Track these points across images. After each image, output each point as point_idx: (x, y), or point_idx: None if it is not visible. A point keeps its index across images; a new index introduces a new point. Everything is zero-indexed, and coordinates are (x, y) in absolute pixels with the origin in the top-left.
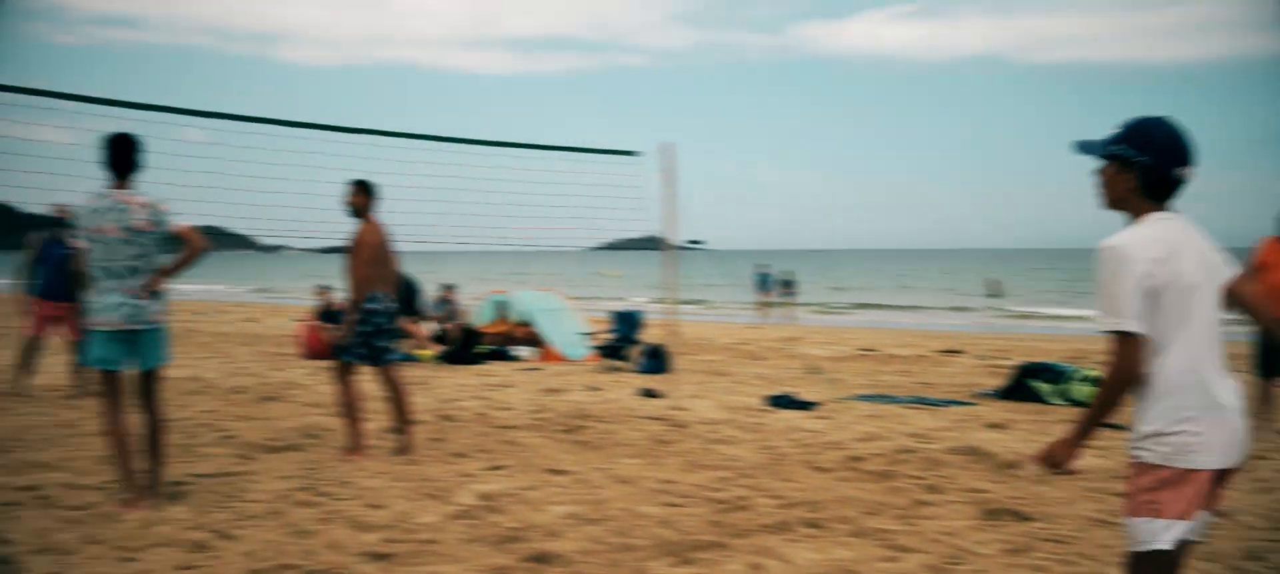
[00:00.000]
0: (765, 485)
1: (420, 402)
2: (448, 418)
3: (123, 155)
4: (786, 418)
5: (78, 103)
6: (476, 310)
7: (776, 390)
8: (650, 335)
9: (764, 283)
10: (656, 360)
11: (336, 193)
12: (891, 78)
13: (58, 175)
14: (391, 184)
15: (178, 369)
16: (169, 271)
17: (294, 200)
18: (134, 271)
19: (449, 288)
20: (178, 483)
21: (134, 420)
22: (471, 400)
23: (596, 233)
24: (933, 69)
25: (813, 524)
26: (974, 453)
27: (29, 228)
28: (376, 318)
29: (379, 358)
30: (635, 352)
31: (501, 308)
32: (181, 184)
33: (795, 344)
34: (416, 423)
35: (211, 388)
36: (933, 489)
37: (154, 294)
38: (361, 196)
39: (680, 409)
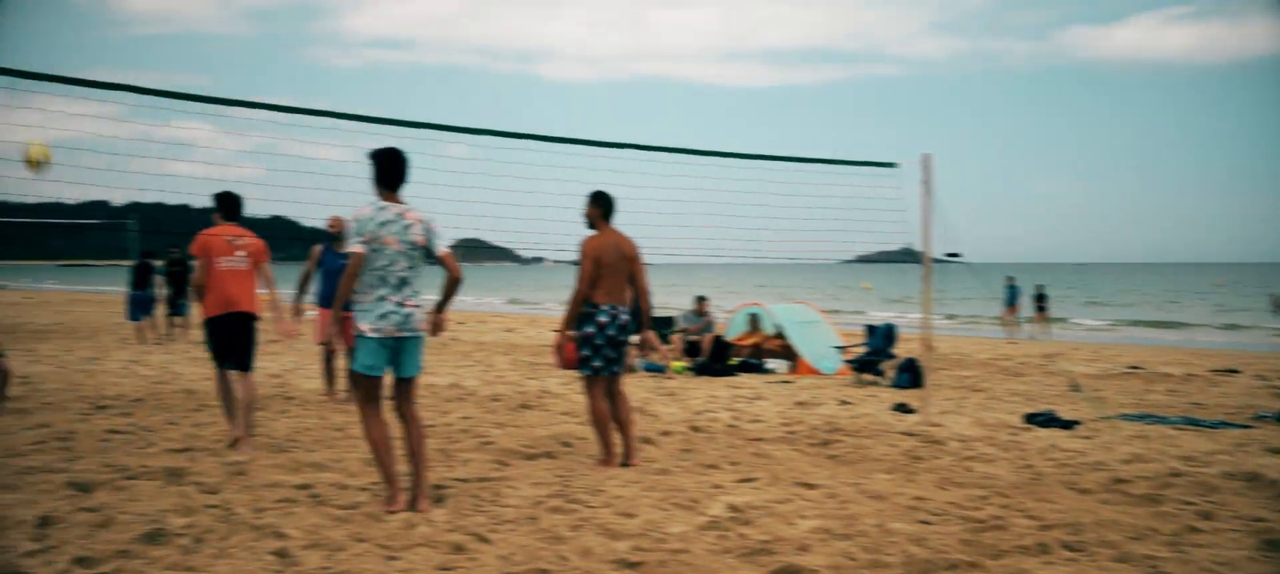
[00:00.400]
0: (1022, 505)
1: (671, 413)
2: (698, 429)
3: (395, 169)
4: (1046, 436)
5: (354, 121)
6: (729, 323)
7: (1035, 408)
8: (905, 350)
9: (1013, 296)
10: (911, 375)
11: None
12: (1166, 82)
13: (335, 191)
14: (646, 197)
15: (439, 377)
16: (444, 304)
17: (552, 214)
18: (404, 283)
19: (702, 300)
20: (438, 486)
21: (393, 425)
22: (722, 412)
23: (851, 245)
24: (1212, 73)
25: (1073, 547)
26: (1254, 479)
27: (310, 241)
28: (608, 330)
29: (609, 369)
30: (889, 366)
31: (754, 320)
32: (446, 198)
33: (1056, 360)
34: (635, 436)
35: (471, 396)
36: (1205, 516)
37: (420, 308)
38: (593, 208)
39: (934, 425)
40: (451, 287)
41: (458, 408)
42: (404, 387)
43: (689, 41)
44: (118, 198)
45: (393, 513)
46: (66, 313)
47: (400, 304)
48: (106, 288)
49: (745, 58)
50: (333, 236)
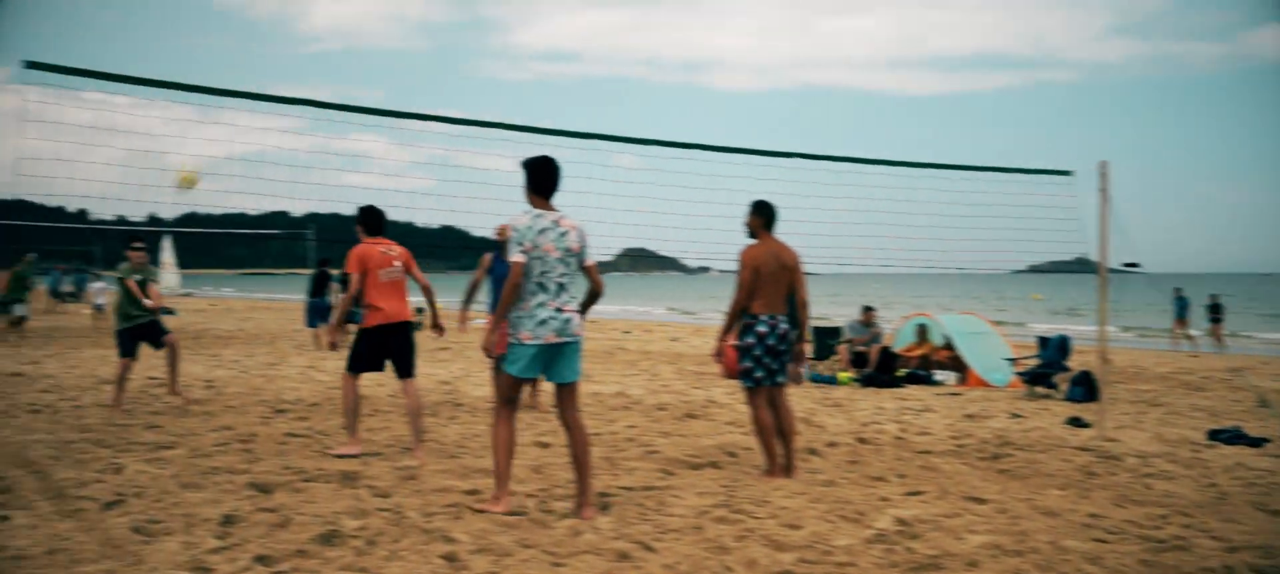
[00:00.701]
0: (1206, 525)
1: (838, 424)
2: (865, 441)
3: (548, 177)
4: (1232, 454)
5: (523, 132)
6: (897, 333)
7: (1220, 424)
8: (1079, 362)
9: (1182, 308)
10: (1085, 388)
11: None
12: None
13: (504, 200)
14: (813, 206)
15: (605, 385)
16: (582, 312)
17: (719, 223)
18: (562, 289)
19: (869, 310)
20: (603, 494)
21: (558, 433)
22: (890, 424)
23: (1023, 255)
24: None
25: (1263, 572)
26: None
27: (480, 250)
28: (767, 339)
29: (770, 379)
30: (1063, 379)
31: (923, 331)
32: (613, 208)
33: (1244, 375)
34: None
35: (636, 404)
36: None
37: (577, 314)
38: (754, 217)
39: (1110, 440)
40: (592, 298)
41: (623, 417)
42: (565, 393)
43: (857, 49)
44: (297, 208)
45: (486, 511)
46: (247, 320)
47: (559, 310)
48: (285, 295)
49: (915, 65)
50: (502, 244)
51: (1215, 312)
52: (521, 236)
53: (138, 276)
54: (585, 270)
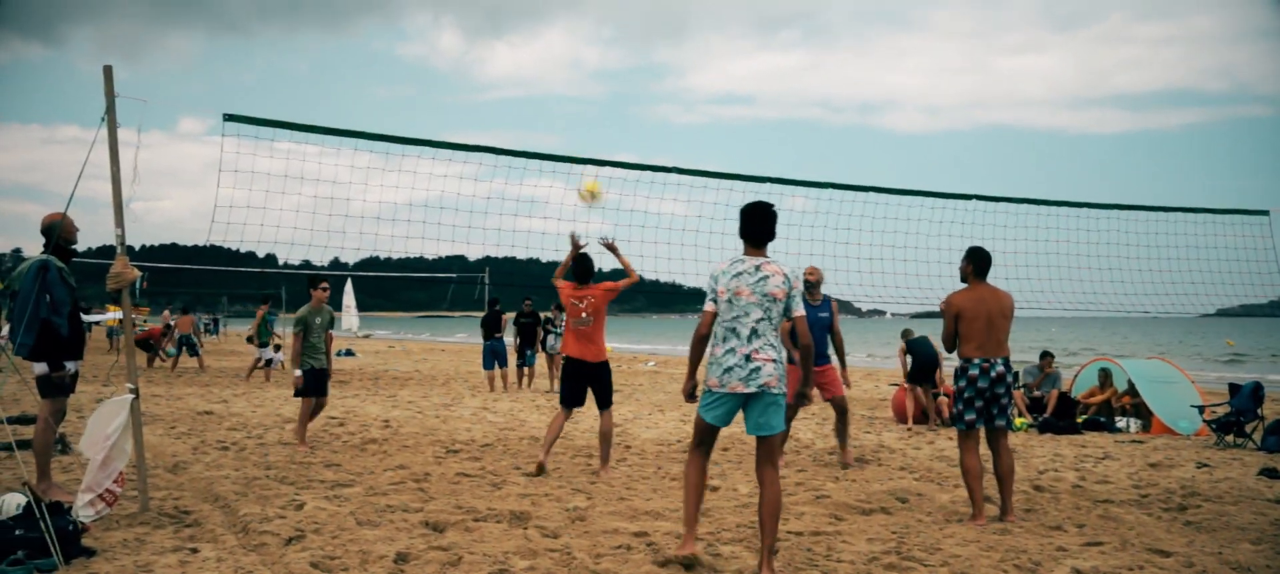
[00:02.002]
0: None
1: (1016, 472)
2: (1041, 488)
3: (751, 223)
4: None
5: (696, 176)
6: (1077, 378)
7: None
8: (1274, 410)
9: None
10: None
11: (934, 257)
12: None
13: (678, 244)
14: (991, 248)
15: None
16: (806, 374)
17: (892, 266)
18: (755, 335)
19: (1047, 357)
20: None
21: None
22: (1068, 471)
23: (1213, 298)
24: None
25: None
26: None
27: (652, 292)
28: (978, 382)
29: (985, 422)
30: (1256, 427)
31: (1105, 376)
32: (785, 250)
33: None
34: (1015, 493)
35: (806, 448)
36: None
37: (773, 364)
38: (966, 263)
39: None
40: (804, 353)
41: (793, 459)
42: (760, 446)
43: (1036, 88)
44: (473, 252)
45: (681, 555)
46: (424, 361)
47: (749, 358)
48: (460, 338)
49: (1097, 103)
50: (807, 286)
51: None
52: (713, 282)
53: (318, 318)
54: (792, 321)
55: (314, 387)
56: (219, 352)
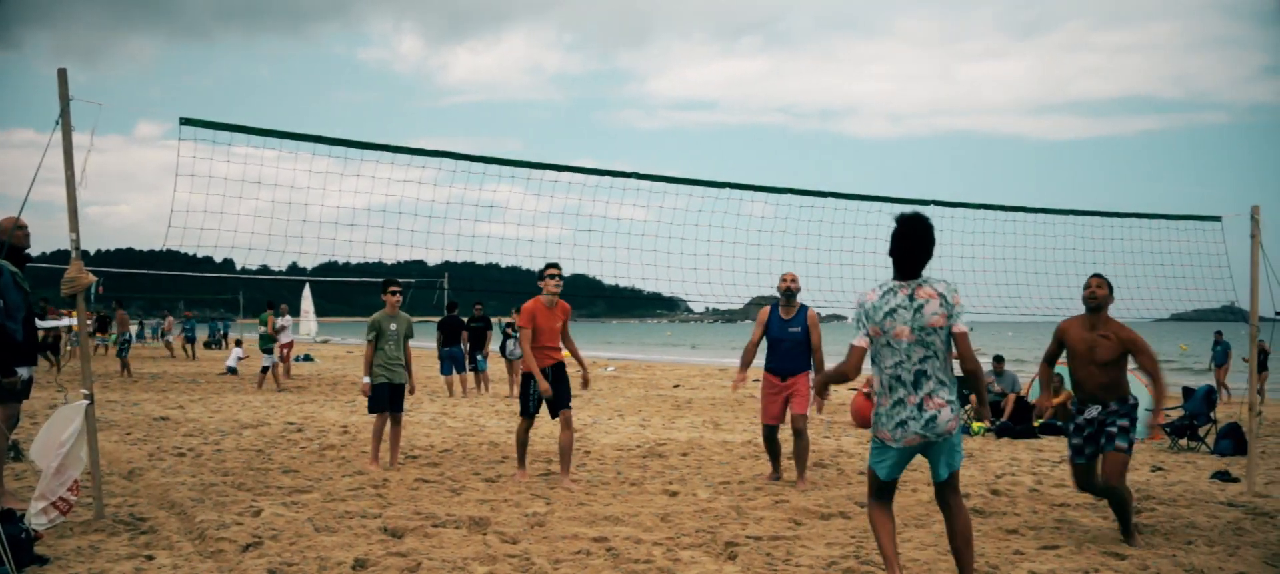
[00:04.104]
0: None
1: (970, 475)
2: (998, 492)
3: (903, 243)
4: None
5: (656, 181)
6: (1034, 382)
7: None
8: (1226, 414)
9: (1222, 355)
10: (1233, 441)
11: (878, 261)
12: None
13: (638, 249)
14: (951, 254)
15: (734, 434)
16: (980, 407)
17: (852, 271)
18: (923, 379)
19: (999, 360)
20: (730, 544)
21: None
22: (1025, 475)
23: (1168, 303)
24: None
25: None
26: None
27: (613, 298)
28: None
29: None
30: (1209, 431)
31: (1060, 380)
32: (745, 255)
33: None
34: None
35: (764, 453)
36: None
37: (949, 406)
38: (1104, 288)
39: (1261, 496)
40: (972, 382)
41: (752, 465)
42: (944, 486)
43: (997, 95)
44: (432, 257)
45: None
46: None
47: (921, 407)
48: (418, 344)
49: (1057, 110)
50: (781, 297)
51: (1262, 358)
52: (862, 316)
53: (393, 325)
54: (953, 340)
55: (384, 401)
56: (202, 357)
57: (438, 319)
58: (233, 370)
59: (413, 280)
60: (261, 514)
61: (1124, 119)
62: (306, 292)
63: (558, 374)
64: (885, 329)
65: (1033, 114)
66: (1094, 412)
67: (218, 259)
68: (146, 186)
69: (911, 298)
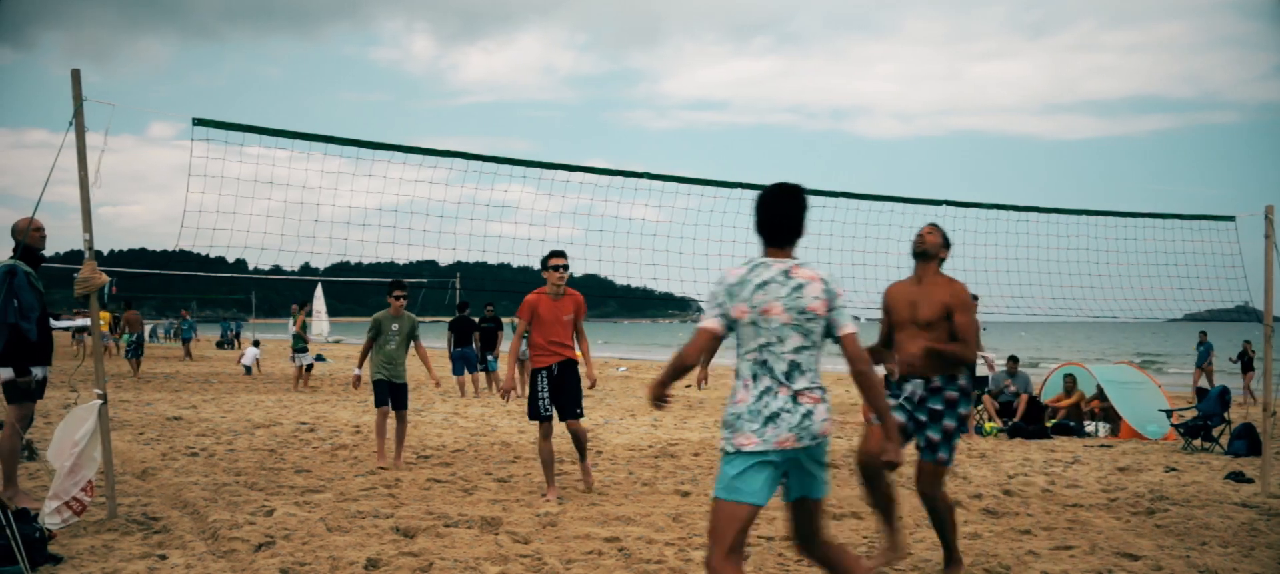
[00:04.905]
0: None
1: (983, 475)
2: (1011, 492)
3: (772, 213)
4: None
5: (668, 181)
6: (1046, 383)
7: None
8: (1240, 414)
9: (1204, 355)
10: (1247, 442)
11: (907, 263)
12: None
13: (650, 249)
14: (960, 254)
15: None
16: (880, 410)
17: (864, 271)
18: (797, 369)
19: (1014, 360)
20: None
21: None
22: (1037, 475)
23: (1181, 303)
24: None
25: None
26: None
27: (624, 298)
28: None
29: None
30: (1222, 432)
31: (1072, 381)
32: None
33: None
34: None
35: None
36: None
37: (824, 404)
38: (937, 236)
39: (1276, 498)
40: (860, 381)
41: None
42: (803, 513)
43: (1007, 95)
44: (444, 257)
45: None
46: None
47: (794, 400)
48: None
49: (1068, 110)
50: None
51: (1246, 358)
52: (724, 295)
53: (395, 325)
54: (839, 342)
55: (385, 397)
56: (197, 356)
57: (449, 319)
58: (248, 370)
59: (424, 280)
60: (274, 514)
61: (1135, 118)
62: (319, 292)
63: (566, 373)
64: (754, 304)
65: (1043, 114)
66: (913, 387)
67: (230, 259)
68: (159, 187)
69: (787, 275)
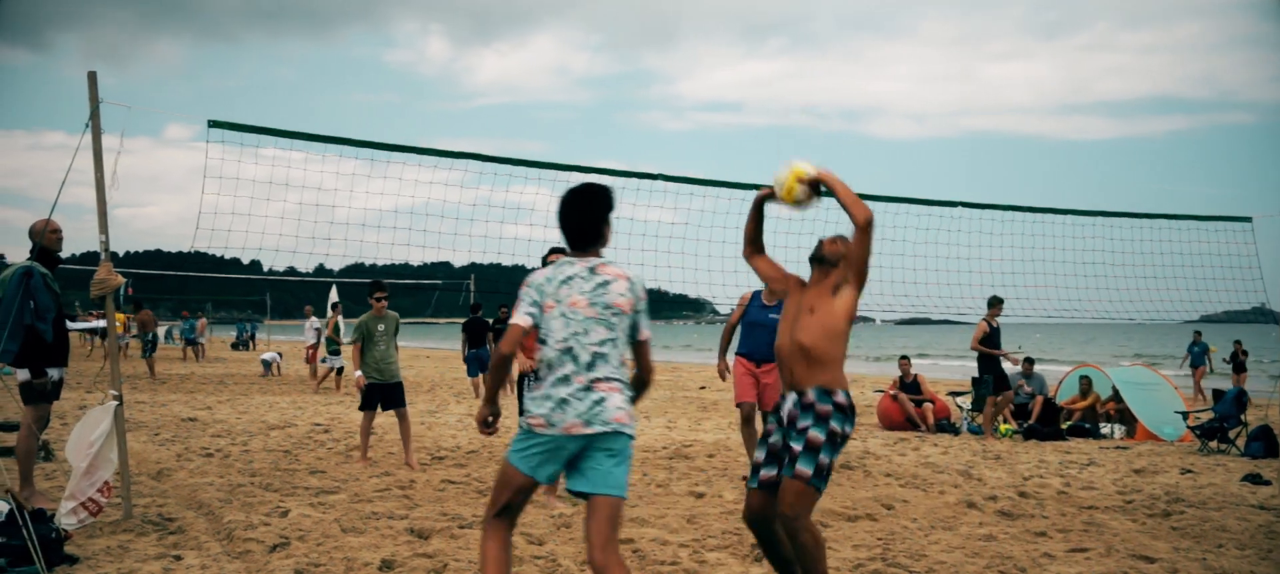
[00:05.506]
0: None
1: (998, 477)
2: (1026, 495)
3: (582, 221)
4: None
5: (682, 183)
6: (1061, 384)
7: None
8: (1257, 415)
9: (1199, 356)
10: (1265, 444)
11: (921, 264)
12: None
13: (661, 251)
14: (977, 256)
15: None
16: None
17: (878, 273)
18: (600, 359)
19: (1029, 361)
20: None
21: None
22: (1053, 478)
23: (1199, 304)
24: None
25: None
26: None
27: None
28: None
29: None
30: (1239, 434)
31: (1087, 382)
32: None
33: None
34: None
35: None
36: None
37: (619, 395)
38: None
39: None
40: (639, 386)
41: None
42: (595, 513)
43: (1022, 96)
44: (459, 259)
45: None
46: (409, 368)
47: (588, 388)
48: (443, 345)
49: (1083, 111)
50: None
51: (1238, 359)
52: (535, 292)
53: (381, 326)
54: (636, 346)
55: (374, 400)
56: (208, 357)
57: (463, 320)
58: (267, 364)
59: (439, 282)
60: (289, 515)
61: (1150, 119)
62: (333, 293)
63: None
64: (559, 298)
65: (1057, 114)
66: (787, 403)
67: (245, 260)
68: (174, 188)
69: (592, 271)
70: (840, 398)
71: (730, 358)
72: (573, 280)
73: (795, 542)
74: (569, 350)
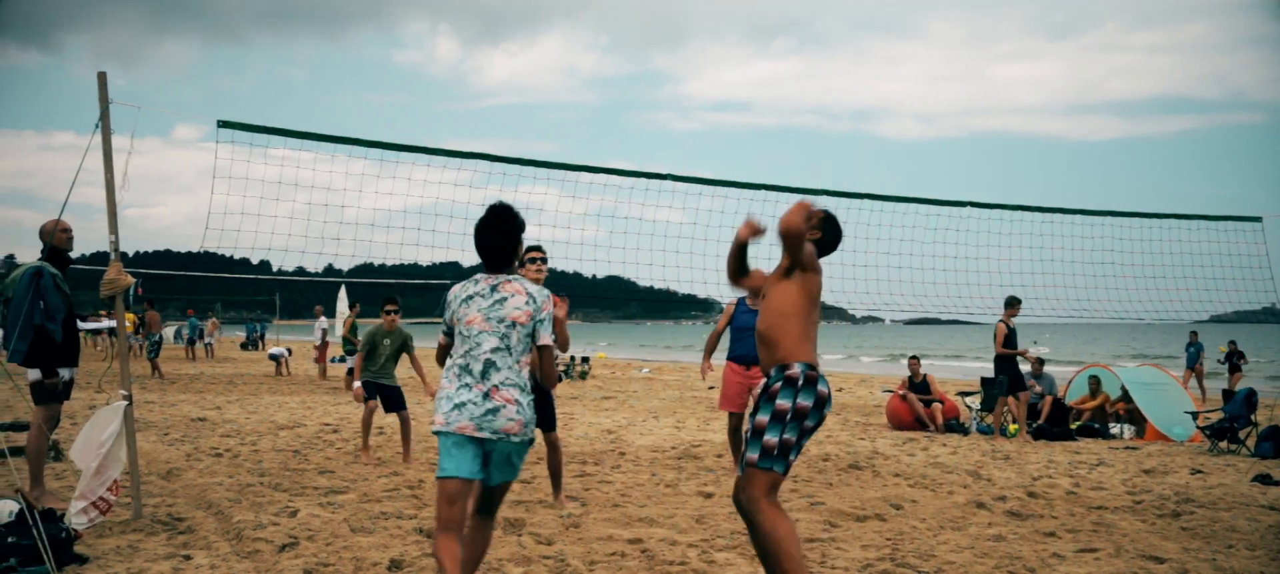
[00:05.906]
0: None
1: (1007, 477)
2: (1035, 495)
3: (492, 244)
4: None
5: (690, 183)
6: (1070, 384)
7: None
8: (1266, 416)
9: (1195, 356)
10: (1274, 444)
11: (929, 264)
12: None
13: (670, 251)
14: (985, 255)
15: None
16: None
17: (887, 272)
18: (491, 369)
19: (1039, 362)
20: None
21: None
22: (1062, 478)
23: (1209, 304)
24: None
25: None
26: None
27: (646, 301)
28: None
29: None
30: (1249, 434)
31: (1097, 382)
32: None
33: None
34: None
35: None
36: None
37: (515, 405)
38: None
39: None
40: (538, 387)
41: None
42: (487, 493)
43: (1030, 96)
44: (468, 259)
45: None
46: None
47: (485, 396)
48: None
49: (1091, 111)
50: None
51: (1233, 359)
52: (446, 310)
53: (387, 341)
54: (539, 350)
55: (373, 393)
56: (216, 357)
57: None
58: (276, 358)
59: (448, 282)
60: (298, 515)
61: (1159, 119)
62: (342, 293)
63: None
64: (459, 317)
65: (1066, 115)
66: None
67: (254, 260)
68: (184, 188)
69: (493, 289)
70: (793, 370)
71: (721, 362)
72: (473, 299)
73: (751, 526)
74: (467, 367)
